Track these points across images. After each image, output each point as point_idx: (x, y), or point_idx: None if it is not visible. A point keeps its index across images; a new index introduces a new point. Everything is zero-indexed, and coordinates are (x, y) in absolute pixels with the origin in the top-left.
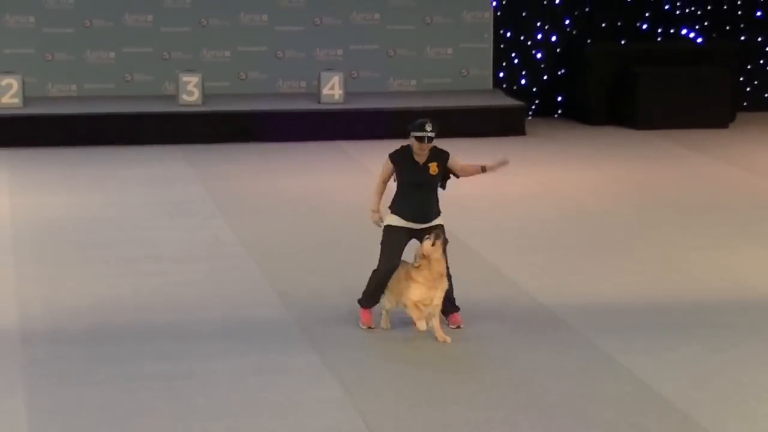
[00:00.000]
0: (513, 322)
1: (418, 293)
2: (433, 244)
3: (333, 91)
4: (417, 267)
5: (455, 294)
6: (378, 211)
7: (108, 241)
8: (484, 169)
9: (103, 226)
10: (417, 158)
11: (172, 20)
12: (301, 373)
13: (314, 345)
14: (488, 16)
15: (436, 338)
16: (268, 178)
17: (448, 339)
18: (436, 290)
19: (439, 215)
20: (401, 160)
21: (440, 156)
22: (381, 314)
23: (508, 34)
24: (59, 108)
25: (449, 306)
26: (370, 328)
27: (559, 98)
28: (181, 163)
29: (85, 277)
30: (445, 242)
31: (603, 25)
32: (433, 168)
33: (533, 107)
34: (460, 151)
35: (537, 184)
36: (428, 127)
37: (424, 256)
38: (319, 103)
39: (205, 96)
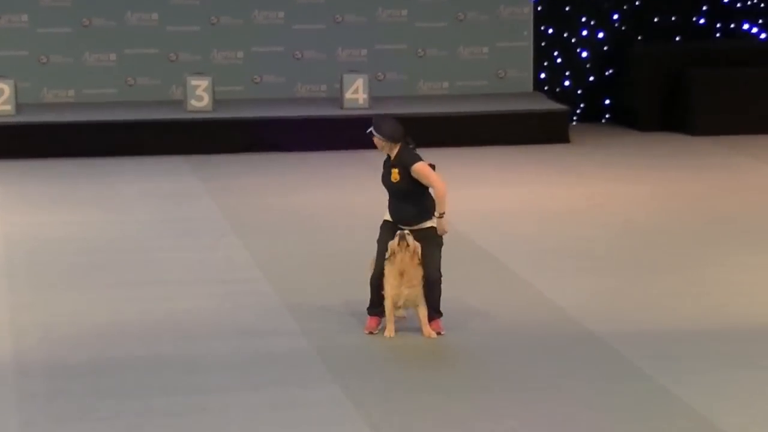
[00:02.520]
0: (557, 350)
1: (389, 289)
2: (398, 244)
3: (357, 95)
4: (387, 259)
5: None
6: None
7: (110, 263)
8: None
9: (104, 247)
10: (390, 161)
11: (180, 18)
12: (322, 408)
13: (336, 376)
14: (528, 11)
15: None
16: (285, 192)
17: (434, 334)
18: (401, 287)
19: (428, 218)
20: (385, 161)
21: (405, 163)
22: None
23: (550, 32)
24: (55, 116)
25: (430, 311)
26: (371, 332)
27: (606, 102)
28: (190, 177)
29: (85, 303)
30: (439, 244)
31: (655, 20)
32: (395, 175)
33: (578, 112)
34: (497, 161)
35: (582, 198)
36: (369, 130)
37: (392, 251)
38: (341, 108)
39: (216, 102)
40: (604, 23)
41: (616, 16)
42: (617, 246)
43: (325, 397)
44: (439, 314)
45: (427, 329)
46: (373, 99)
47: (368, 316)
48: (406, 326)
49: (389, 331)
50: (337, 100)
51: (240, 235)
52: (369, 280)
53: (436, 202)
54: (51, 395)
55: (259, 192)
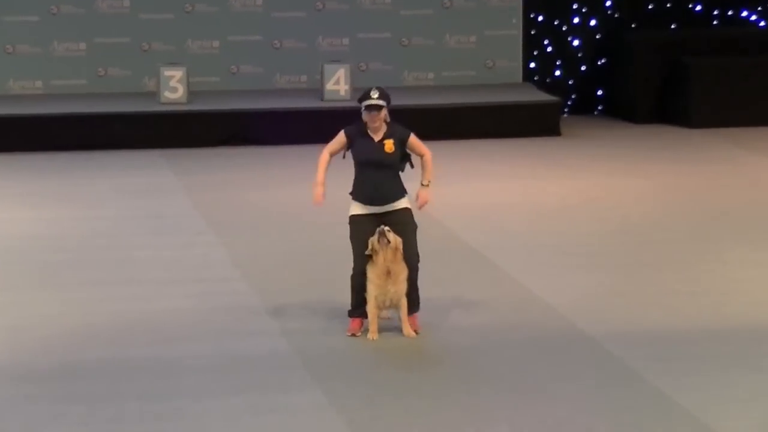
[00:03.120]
0: (549, 351)
1: (373, 290)
2: (378, 241)
3: (338, 86)
4: (368, 256)
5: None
6: (322, 183)
7: (80, 262)
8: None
9: (74, 245)
10: (372, 134)
11: (153, 6)
12: (303, 413)
13: (318, 380)
14: None
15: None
16: (264, 187)
17: (413, 333)
18: (386, 286)
19: (403, 196)
20: (355, 136)
21: (400, 134)
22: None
23: (540, 19)
24: (22, 108)
25: (409, 305)
26: (354, 335)
27: (599, 93)
28: (164, 171)
29: (54, 304)
30: (414, 228)
31: (650, 7)
32: (389, 145)
33: (569, 103)
34: (486, 155)
35: (574, 193)
36: (374, 94)
37: (374, 250)
38: (322, 100)
39: (191, 93)
40: (597, 10)
41: (609, 3)
42: (611, 242)
43: (307, 402)
44: (417, 308)
45: (408, 329)
46: (356, 90)
47: (350, 318)
48: (389, 327)
49: (373, 333)
50: (318, 91)
51: (217, 233)
52: (351, 281)
53: (425, 170)
54: (19, 401)
55: (236, 187)
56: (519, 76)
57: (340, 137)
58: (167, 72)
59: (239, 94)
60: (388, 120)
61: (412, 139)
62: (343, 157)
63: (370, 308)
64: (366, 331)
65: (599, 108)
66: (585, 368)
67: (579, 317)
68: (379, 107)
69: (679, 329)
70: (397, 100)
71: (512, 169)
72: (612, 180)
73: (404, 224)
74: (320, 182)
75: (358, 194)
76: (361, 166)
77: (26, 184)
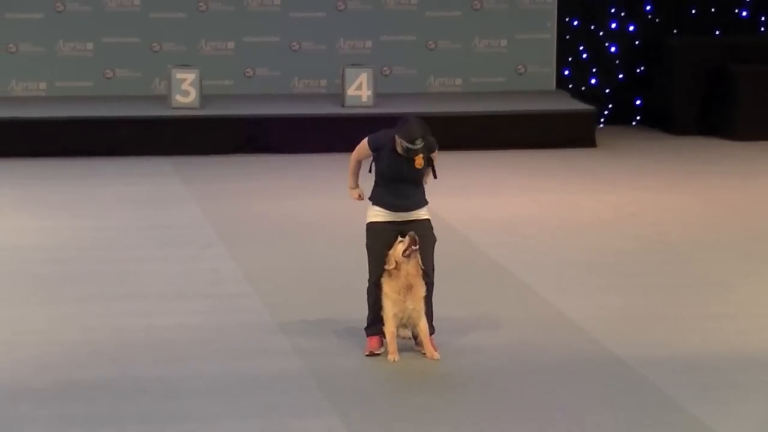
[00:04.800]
0: (580, 377)
1: (391, 307)
2: (407, 254)
3: (360, 91)
4: (388, 270)
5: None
6: (357, 187)
7: (81, 274)
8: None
9: (75, 257)
10: (400, 151)
11: (164, 4)
12: None
13: (334, 404)
14: (551, 0)
15: (424, 354)
16: (279, 198)
17: (437, 356)
18: (405, 302)
19: (425, 205)
20: (383, 149)
21: (428, 146)
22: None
23: (576, 23)
24: (24, 110)
25: (429, 325)
26: (372, 354)
27: (638, 102)
28: (173, 180)
29: (53, 319)
30: (433, 241)
31: (692, 12)
32: (419, 161)
33: (605, 113)
34: (515, 166)
35: (609, 208)
36: (418, 143)
37: (396, 263)
38: (342, 106)
39: (204, 97)
40: (636, 14)
41: (649, 7)
42: (647, 261)
43: (322, 427)
44: (433, 329)
45: (432, 350)
46: (378, 96)
47: (367, 336)
48: (407, 347)
49: (393, 353)
50: (338, 96)
51: (227, 245)
52: (366, 294)
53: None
54: (14, 421)
55: (249, 197)
56: (552, 83)
57: (364, 149)
58: (179, 74)
59: (255, 99)
60: None
61: (437, 152)
62: (369, 171)
63: (389, 327)
64: (385, 350)
65: (637, 118)
66: (618, 395)
67: (612, 340)
68: (417, 153)
69: (719, 355)
70: (422, 108)
71: (543, 182)
72: (649, 195)
73: (423, 236)
74: (353, 186)
75: (379, 202)
76: (385, 179)
77: (26, 191)
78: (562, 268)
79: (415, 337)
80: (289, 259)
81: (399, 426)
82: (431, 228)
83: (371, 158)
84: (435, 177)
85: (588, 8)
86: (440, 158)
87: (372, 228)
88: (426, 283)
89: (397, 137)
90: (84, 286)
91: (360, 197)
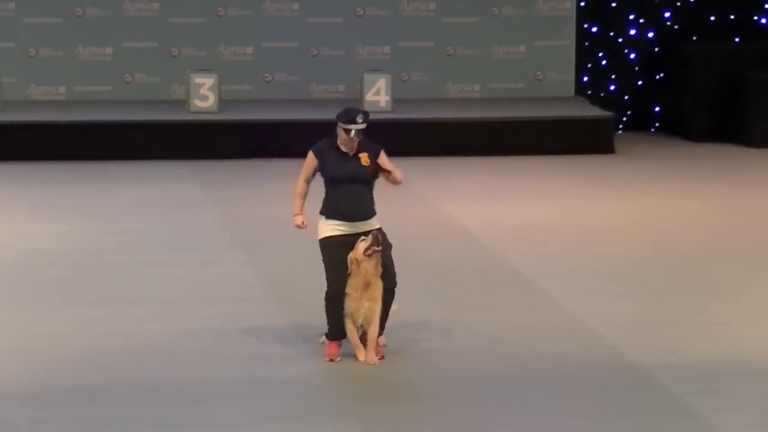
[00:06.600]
0: (596, 383)
1: (350, 304)
2: (369, 253)
3: (378, 97)
4: (348, 275)
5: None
6: (301, 213)
7: (97, 279)
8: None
9: (92, 261)
10: (344, 149)
11: (183, 9)
12: None
13: (352, 411)
14: (569, 6)
15: (356, 356)
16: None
17: (376, 361)
18: (361, 300)
19: (375, 214)
20: (325, 154)
21: (371, 148)
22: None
23: (594, 30)
24: (43, 114)
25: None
26: (332, 360)
27: (656, 109)
28: (190, 184)
29: (70, 323)
30: (389, 246)
31: (711, 19)
32: (364, 158)
33: (624, 119)
34: (533, 172)
35: (626, 214)
36: (359, 119)
37: (356, 260)
38: None
39: (222, 102)
40: (655, 21)
41: (668, 14)
42: (664, 268)
43: None
44: (382, 331)
45: (372, 355)
46: (396, 102)
47: (328, 341)
48: (415, 354)
49: (361, 353)
50: (357, 102)
51: (244, 250)
52: (325, 305)
53: (396, 179)
54: (28, 426)
55: (267, 202)
56: (571, 89)
57: (310, 160)
58: (197, 79)
59: (272, 104)
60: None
61: (383, 154)
62: (313, 177)
63: (349, 326)
64: (347, 355)
65: (655, 125)
66: (635, 402)
67: (628, 347)
68: (361, 132)
69: (734, 362)
70: (441, 113)
71: (561, 188)
72: (667, 201)
73: (383, 242)
74: (297, 212)
75: (333, 212)
76: (335, 182)
77: (44, 195)
78: (579, 274)
79: (362, 338)
80: (305, 265)
81: (418, 430)
82: (385, 235)
83: (316, 173)
84: (398, 179)
85: (607, 15)
86: (459, 164)
87: (327, 244)
88: (388, 289)
89: (338, 127)
90: (99, 290)
91: (303, 224)
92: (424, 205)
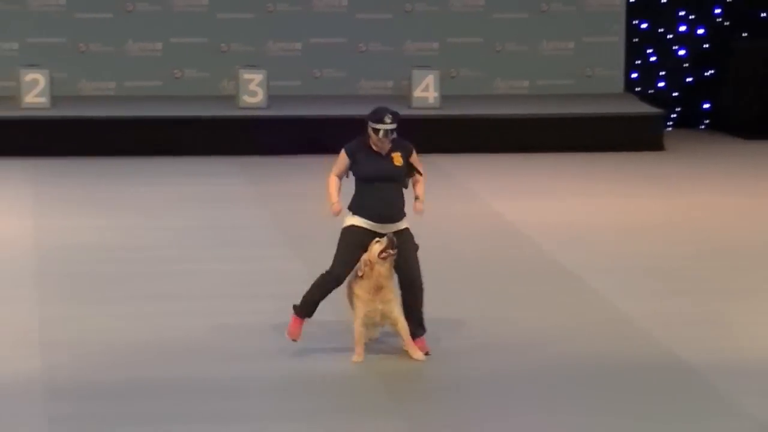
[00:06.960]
0: (647, 382)
1: (361, 307)
2: (383, 256)
3: (427, 93)
4: (360, 276)
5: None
6: (338, 201)
7: (147, 273)
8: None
9: (141, 256)
10: (377, 149)
11: (232, 5)
12: None
13: (401, 406)
14: (619, 3)
15: (409, 355)
16: (345, 199)
17: (422, 356)
18: (374, 302)
19: (405, 215)
20: (357, 153)
21: (404, 147)
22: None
23: (644, 26)
24: (93, 110)
25: (414, 327)
26: (294, 341)
27: (706, 105)
28: (239, 179)
29: (120, 317)
30: (416, 248)
31: (762, 15)
32: (397, 158)
33: (673, 116)
34: (582, 169)
35: (676, 212)
36: (388, 119)
37: (369, 262)
38: (409, 108)
39: (271, 98)
40: (705, 17)
41: (718, 10)
42: (716, 266)
43: (388, 427)
44: (424, 330)
45: (416, 351)
46: (445, 98)
47: (293, 315)
48: (467, 348)
49: (359, 355)
50: (405, 98)
51: (293, 246)
52: (318, 277)
53: (419, 185)
54: (80, 418)
55: (314, 198)
56: (620, 86)
57: (342, 158)
58: (246, 75)
59: (321, 100)
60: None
61: (415, 154)
62: (347, 176)
63: (357, 328)
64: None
65: (705, 122)
66: (687, 402)
67: (679, 346)
68: (392, 132)
69: None
70: (489, 110)
71: (611, 186)
72: (717, 199)
73: (409, 242)
74: (334, 200)
75: (361, 209)
76: (367, 182)
77: (94, 190)
78: (628, 271)
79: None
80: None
81: (464, 426)
82: (412, 236)
83: (349, 171)
84: (420, 174)
85: (656, 11)
86: (507, 161)
87: (348, 231)
88: (417, 288)
89: (368, 126)
90: (149, 285)
91: (338, 210)
92: (472, 201)
